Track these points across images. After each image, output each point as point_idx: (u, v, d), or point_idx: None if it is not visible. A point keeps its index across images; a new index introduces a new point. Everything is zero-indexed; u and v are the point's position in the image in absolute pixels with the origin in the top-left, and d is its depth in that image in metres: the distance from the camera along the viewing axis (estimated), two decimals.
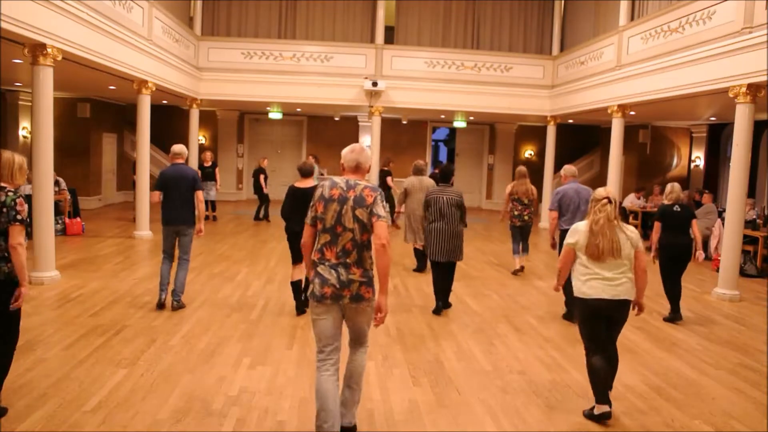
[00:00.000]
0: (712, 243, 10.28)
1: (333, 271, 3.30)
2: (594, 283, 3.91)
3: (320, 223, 3.36)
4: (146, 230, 10.67)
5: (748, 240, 9.30)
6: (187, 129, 14.24)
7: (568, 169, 6.86)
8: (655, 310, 6.90)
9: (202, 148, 15.53)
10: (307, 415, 3.83)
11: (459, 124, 17.53)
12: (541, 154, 17.04)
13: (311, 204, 3.41)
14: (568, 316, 6.38)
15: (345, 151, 3.48)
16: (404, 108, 15.13)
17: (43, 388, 4.09)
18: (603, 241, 3.87)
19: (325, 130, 18.36)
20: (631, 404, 4.28)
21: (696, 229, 6.53)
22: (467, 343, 5.52)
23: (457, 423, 3.89)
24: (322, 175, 13.70)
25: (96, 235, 10.81)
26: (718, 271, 8.13)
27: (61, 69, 7.78)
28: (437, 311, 6.48)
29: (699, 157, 15.98)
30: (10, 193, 3.58)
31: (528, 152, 18.97)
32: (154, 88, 10.73)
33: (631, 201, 13.78)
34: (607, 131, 13.36)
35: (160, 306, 6.17)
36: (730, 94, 7.73)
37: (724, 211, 8.66)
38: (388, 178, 13.05)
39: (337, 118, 18.30)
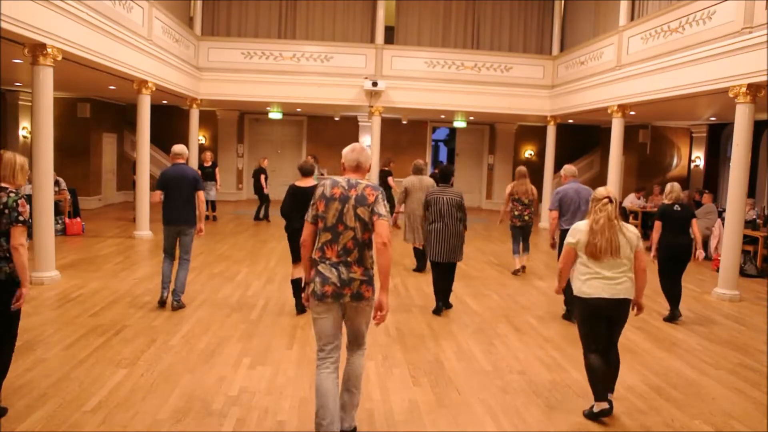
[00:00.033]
0: (712, 243, 10.29)
1: (334, 270, 3.31)
2: (594, 282, 3.92)
3: (321, 221, 3.36)
4: (146, 230, 10.67)
5: (748, 240, 9.30)
6: (187, 129, 14.24)
7: (568, 169, 6.85)
8: (655, 310, 6.90)
9: (202, 148, 15.53)
10: (307, 415, 3.82)
11: (459, 124, 17.53)
12: (541, 154, 17.05)
13: (312, 202, 3.42)
14: (567, 316, 6.38)
15: (345, 151, 3.50)
16: (404, 108, 15.13)
17: (43, 388, 4.09)
18: (603, 241, 3.88)
19: (325, 130, 18.36)
20: (631, 404, 4.28)
21: (696, 229, 6.53)
22: (467, 343, 5.52)
23: (457, 423, 3.89)
24: (322, 175, 13.71)
25: (96, 235, 10.81)
26: (718, 271, 8.13)
27: (61, 69, 7.78)
28: (437, 311, 6.48)
29: (699, 157, 15.98)
30: (12, 194, 3.58)
31: (528, 152, 18.97)
32: (154, 88, 10.73)
33: (631, 201, 13.78)
34: (607, 131, 13.37)
35: (162, 304, 6.18)
36: (730, 94, 7.73)
37: (724, 211, 8.66)
38: (389, 178, 13.06)
39: (337, 118, 18.31)
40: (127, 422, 3.67)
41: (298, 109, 17.07)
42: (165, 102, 15.08)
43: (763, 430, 4.01)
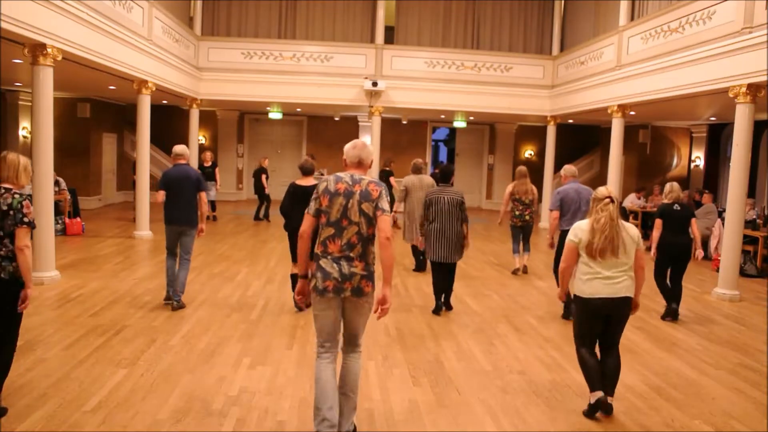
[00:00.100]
0: (712, 243, 10.29)
1: (335, 264, 3.32)
2: (595, 282, 3.93)
3: (324, 216, 3.37)
4: (146, 230, 10.67)
5: (748, 240, 9.30)
6: (187, 129, 14.24)
7: (568, 169, 6.85)
8: (655, 309, 6.90)
9: (202, 148, 15.53)
10: (307, 414, 3.82)
11: (459, 124, 17.53)
12: (541, 154, 17.04)
13: (314, 196, 3.42)
14: (566, 315, 6.39)
15: (347, 147, 3.52)
16: (404, 108, 15.13)
17: (43, 388, 4.09)
18: (603, 240, 3.88)
19: (325, 130, 18.36)
20: (631, 404, 4.28)
21: (695, 228, 6.55)
22: (467, 343, 5.52)
23: (457, 423, 3.89)
24: (321, 174, 13.69)
25: (96, 235, 10.81)
26: (718, 271, 8.14)
27: (61, 69, 7.78)
28: (437, 311, 6.47)
29: (699, 157, 15.98)
30: (16, 196, 3.59)
31: (528, 152, 18.97)
32: (154, 88, 10.73)
33: (632, 201, 13.79)
34: (607, 131, 13.36)
35: (168, 300, 6.23)
36: (730, 94, 7.73)
37: (724, 211, 8.66)
38: (391, 178, 13.05)
39: (337, 118, 18.31)
40: (127, 422, 3.67)
41: (298, 109, 17.07)
42: (165, 102, 15.08)
43: (763, 430, 4.01)
